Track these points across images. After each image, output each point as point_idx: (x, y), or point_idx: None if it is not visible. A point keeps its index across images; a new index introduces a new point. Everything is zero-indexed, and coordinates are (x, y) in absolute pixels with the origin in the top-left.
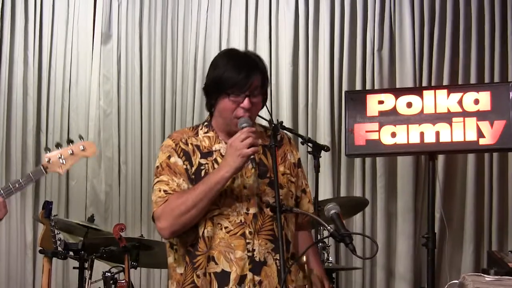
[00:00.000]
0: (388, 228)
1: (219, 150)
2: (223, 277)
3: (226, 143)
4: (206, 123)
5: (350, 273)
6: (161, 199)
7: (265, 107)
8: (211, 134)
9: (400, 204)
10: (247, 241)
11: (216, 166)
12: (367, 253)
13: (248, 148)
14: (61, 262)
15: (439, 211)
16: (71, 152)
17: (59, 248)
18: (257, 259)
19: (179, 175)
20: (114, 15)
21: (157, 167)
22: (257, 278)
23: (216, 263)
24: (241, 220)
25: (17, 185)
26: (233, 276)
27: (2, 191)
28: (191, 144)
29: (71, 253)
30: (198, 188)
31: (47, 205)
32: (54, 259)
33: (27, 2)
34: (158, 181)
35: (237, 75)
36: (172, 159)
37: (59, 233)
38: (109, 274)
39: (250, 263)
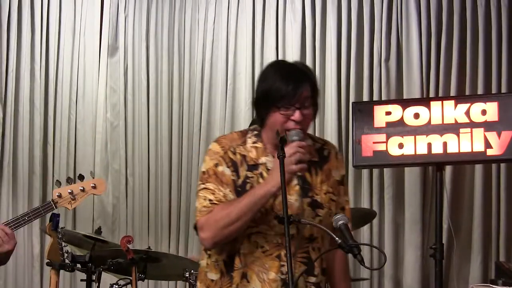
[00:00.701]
0: (396, 239)
1: (265, 163)
2: None
3: (273, 156)
4: (256, 132)
5: (358, 284)
6: (205, 208)
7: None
8: (259, 145)
9: (407, 215)
10: (282, 263)
11: (261, 180)
12: (375, 264)
13: (296, 164)
14: (69, 274)
15: (446, 222)
16: (82, 189)
17: (67, 261)
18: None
19: (225, 185)
20: (120, 27)
21: (204, 172)
22: None
23: (248, 281)
24: (277, 241)
25: (26, 218)
26: None
27: (11, 223)
28: (239, 153)
29: (78, 265)
30: (243, 201)
31: (54, 218)
32: (61, 271)
33: (33, 15)
34: (203, 188)
35: (285, 86)
36: (220, 168)
37: (66, 245)
38: (116, 286)
39: (282, 285)
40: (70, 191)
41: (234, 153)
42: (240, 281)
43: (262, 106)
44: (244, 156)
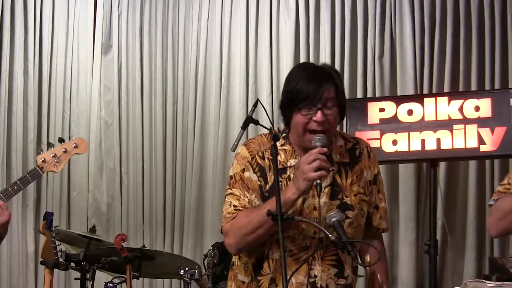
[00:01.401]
0: (390, 236)
1: (294, 166)
2: None
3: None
4: (284, 135)
5: None
6: (230, 215)
7: (266, 115)
8: (287, 147)
9: (402, 212)
10: (310, 266)
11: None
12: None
13: (316, 171)
14: (63, 273)
15: (441, 218)
16: (64, 150)
17: (61, 259)
18: (318, 285)
19: (251, 191)
20: (114, 25)
21: (231, 177)
22: None
23: (276, 285)
24: (306, 244)
25: (15, 187)
26: None
27: (1, 194)
28: (267, 158)
29: (72, 264)
30: (265, 208)
31: (48, 216)
32: (55, 270)
33: (26, 13)
34: (230, 194)
35: (307, 86)
36: (247, 174)
37: (60, 244)
38: (111, 284)
39: None
40: (53, 154)
41: (263, 158)
42: (268, 286)
43: (286, 108)
44: (272, 160)
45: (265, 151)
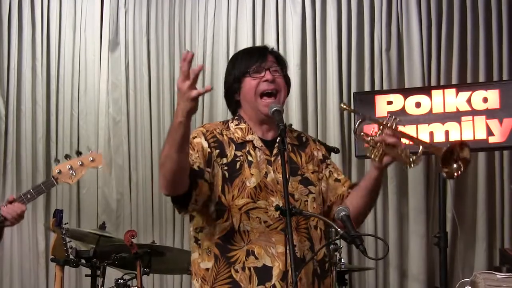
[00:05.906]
0: (400, 229)
1: (252, 141)
2: (264, 272)
3: (258, 136)
4: (236, 117)
5: (363, 274)
6: None
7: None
8: (242, 125)
9: (411, 204)
10: (288, 236)
11: (249, 158)
12: (380, 254)
13: (192, 88)
14: (74, 270)
15: (450, 211)
16: (80, 163)
17: (71, 256)
18: (298, 255)
19: (196, 151)
20: (121, 22)
21: None
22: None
23: (257, 258)
24: (280, 215)
25: (29, 196)
26: (275, 272)
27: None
28: (226, 135)
29: (83, 260)
30: (166, 140)
31: (58, 214)
32: (66, 267)
33: (33, 12)
34: None
35: (251, 54)
36: (197, 139)
37: (71, 241)
38: (121, 281)
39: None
40: (69, 166)
41: (221, 134)
42: (246, 258)
43: (235, 85)
44: (231, 138)
45: (223, 130)
